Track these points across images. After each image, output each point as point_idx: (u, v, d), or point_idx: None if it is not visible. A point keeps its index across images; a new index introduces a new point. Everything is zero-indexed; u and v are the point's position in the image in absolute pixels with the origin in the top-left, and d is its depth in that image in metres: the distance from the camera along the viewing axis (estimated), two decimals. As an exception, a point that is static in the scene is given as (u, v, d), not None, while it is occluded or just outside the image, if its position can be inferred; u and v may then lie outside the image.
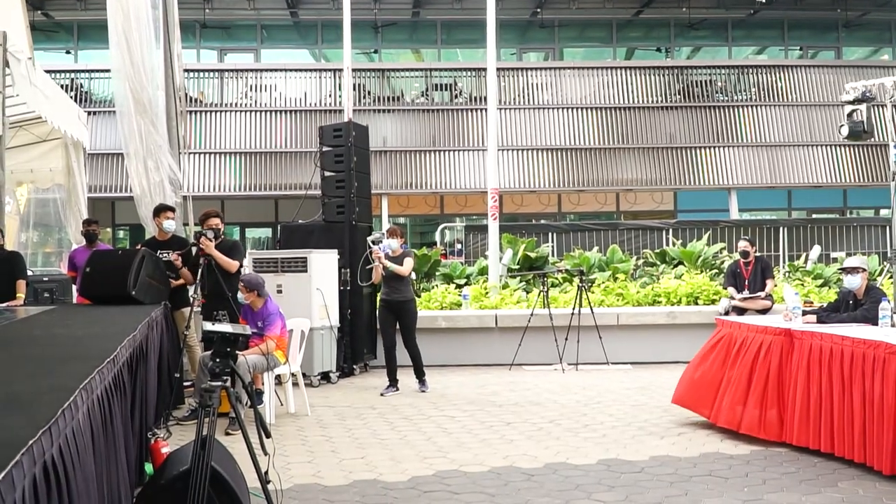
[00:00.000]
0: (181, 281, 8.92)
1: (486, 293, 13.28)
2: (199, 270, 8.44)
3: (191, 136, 19.27)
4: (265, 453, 4.85)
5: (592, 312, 11.62)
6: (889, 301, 7.39)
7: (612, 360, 11.52)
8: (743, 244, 11.78)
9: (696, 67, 27.99)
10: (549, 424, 8.02)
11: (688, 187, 25.89)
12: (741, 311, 11.15)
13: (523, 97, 26.42)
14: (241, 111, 26.05)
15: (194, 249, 8.72)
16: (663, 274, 14.27)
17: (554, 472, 6.34)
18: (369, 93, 26.66)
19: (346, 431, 7.86)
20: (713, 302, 12.39)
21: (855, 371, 6.25)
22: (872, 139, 13.25)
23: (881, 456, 5.94)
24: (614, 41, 29.18)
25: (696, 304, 12.63)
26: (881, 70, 23.59)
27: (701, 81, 27.36)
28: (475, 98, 26.09)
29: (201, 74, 26.70)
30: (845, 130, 11.96)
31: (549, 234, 18.87)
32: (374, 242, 9.86)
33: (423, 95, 27.39)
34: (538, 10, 27.38)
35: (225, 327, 4.87)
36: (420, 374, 9.95)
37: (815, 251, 15.35)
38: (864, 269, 7.64)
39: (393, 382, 9.88)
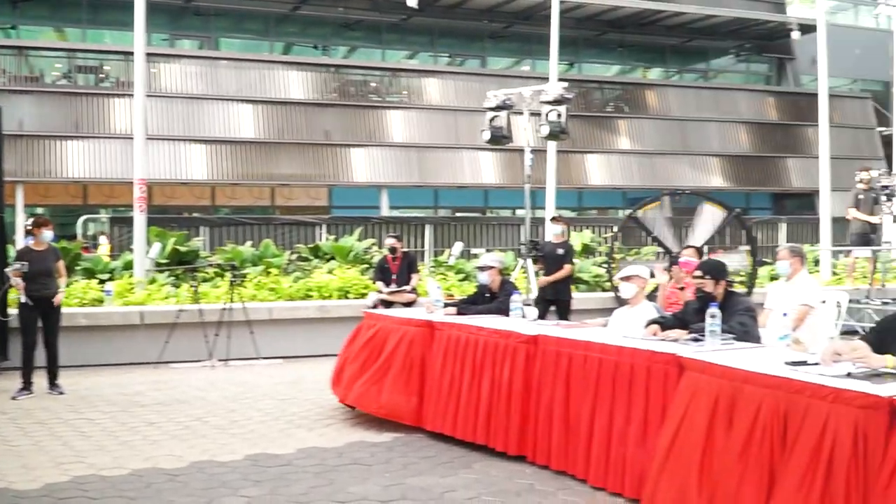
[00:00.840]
0: None
1: (132, 288, 12.66)
2: None
3: None
4: None
5: (244, 307, 11.49)
6: (520, 294, 7.97)
7: (264, 355, 11.45)
8: (390, 240, 12.16)
9: (351, 67, 28.64)
10: (195, 422, 7.80)
11: (342, 184, 26.44)
12: (388, 304, 11.50)
13: (176, 85, 25.55)
14: None
15: None
16: (315, 269, 14.41)
17: (199, 471, 6.17)
18: (4, 71, 24.50)
19: (-32, 440, 7.15)
20: (363, 296, 12.68)
21: (486, 359, 6.66)
22: (511, 144, 14.26)
23: (507, 438, 6.39)
24: (271, 35, 29.07)
25: (347, 297, 12.88)
26: (521, 80, 25.46)
27: (356, 81, 28.04)
28: (123, 83, 24.81)
29: None
30: (487, 135, 12.74)
31: (202, 228, 18.38)
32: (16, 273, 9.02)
33: (65, 77, 25.65)
34: (193, -4, 26.62)
35: None
36: (56, 375, 9.27)
37: (458, 247, 16.21)
38: (494, 266, 8.16)
39: (27, 385, 9.12)
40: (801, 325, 7.32)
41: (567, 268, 11.58)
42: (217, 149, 25.26)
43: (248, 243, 15.90)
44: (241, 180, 25.53)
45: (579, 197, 30.13)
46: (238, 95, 25.88)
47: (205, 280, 13.19)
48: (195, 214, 25.04)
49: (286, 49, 29.66)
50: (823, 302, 9.02)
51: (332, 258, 15.12)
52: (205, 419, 7.93)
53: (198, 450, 6.77)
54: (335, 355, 8.46)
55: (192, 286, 11.70)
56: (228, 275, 12.13)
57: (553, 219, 12.45)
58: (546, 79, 16.33)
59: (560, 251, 11.57)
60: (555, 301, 11.43)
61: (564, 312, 11.27)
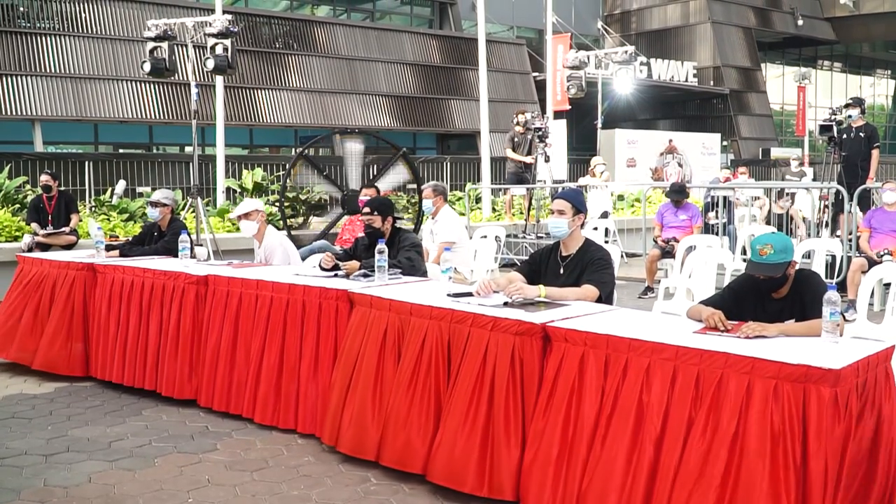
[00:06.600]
0: None
1: None
2: None
3: None
4: None
5: None
6: (189, 234, 7.74)
7: None
8: (45, 178, 11.34)
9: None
10: None
11: (-12, 117, 24.08)
12: (46, 247, 10.75)
13: None
14: None
15: None
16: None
17: None
18: None
19: None
20: (16, 238, 11.75)
21: (154, 302, 6.42)
22: (175, 77, 13.70)
23: (173, 383, 6.24)
24: None
25: (-3, 241, 11.85)
26: (184, 10, 24.36)
27: (3, 5, 25.49)
28: None
29: None
30: (147, 67, 12.15)
31: None
32: None
33: None
34: None
35: None
36: None
37: (121, 186, 15.45)
38: (168, 205, 7.90)
39: None
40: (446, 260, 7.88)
41: None
42: None
43: None
44: None
45: (250, 135, 29.63)
46: None
47: None
48: None
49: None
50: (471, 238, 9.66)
51: (-22, 198, 13.79)
52: None
53: None
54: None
55: None
56: None
57: None
58: (211, 10, 15.76)
59: None
60: None
61: None
